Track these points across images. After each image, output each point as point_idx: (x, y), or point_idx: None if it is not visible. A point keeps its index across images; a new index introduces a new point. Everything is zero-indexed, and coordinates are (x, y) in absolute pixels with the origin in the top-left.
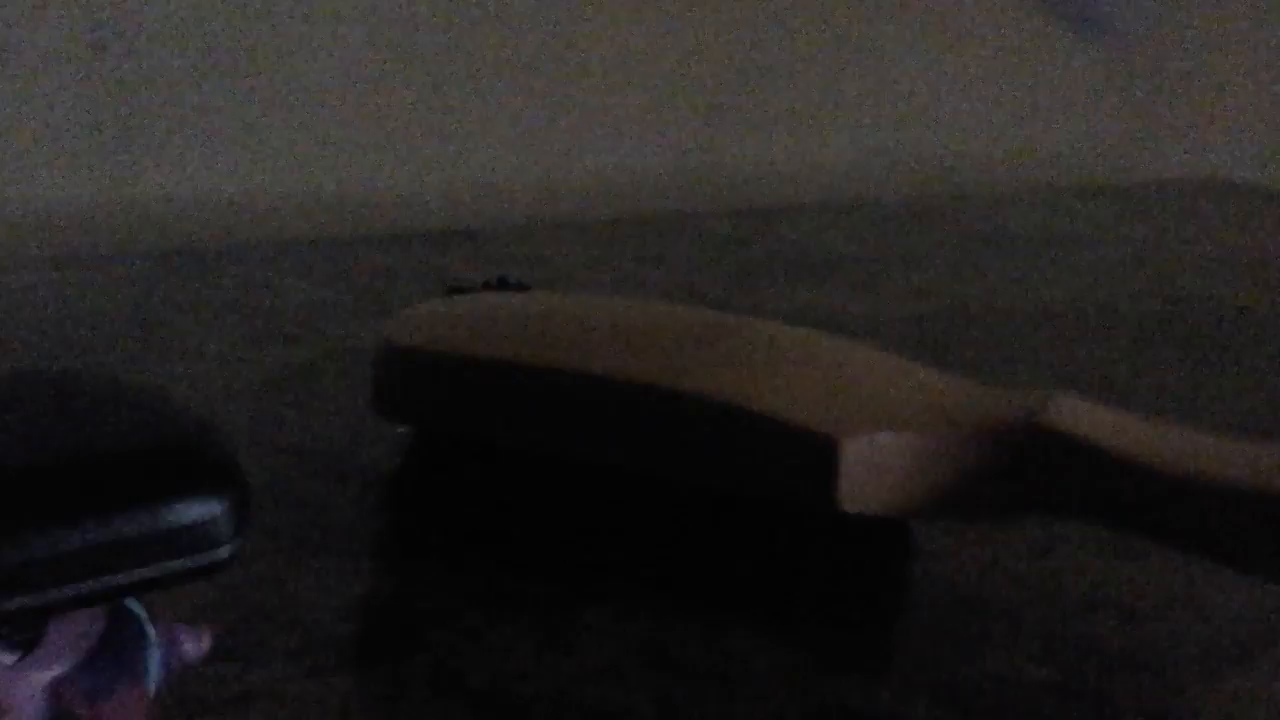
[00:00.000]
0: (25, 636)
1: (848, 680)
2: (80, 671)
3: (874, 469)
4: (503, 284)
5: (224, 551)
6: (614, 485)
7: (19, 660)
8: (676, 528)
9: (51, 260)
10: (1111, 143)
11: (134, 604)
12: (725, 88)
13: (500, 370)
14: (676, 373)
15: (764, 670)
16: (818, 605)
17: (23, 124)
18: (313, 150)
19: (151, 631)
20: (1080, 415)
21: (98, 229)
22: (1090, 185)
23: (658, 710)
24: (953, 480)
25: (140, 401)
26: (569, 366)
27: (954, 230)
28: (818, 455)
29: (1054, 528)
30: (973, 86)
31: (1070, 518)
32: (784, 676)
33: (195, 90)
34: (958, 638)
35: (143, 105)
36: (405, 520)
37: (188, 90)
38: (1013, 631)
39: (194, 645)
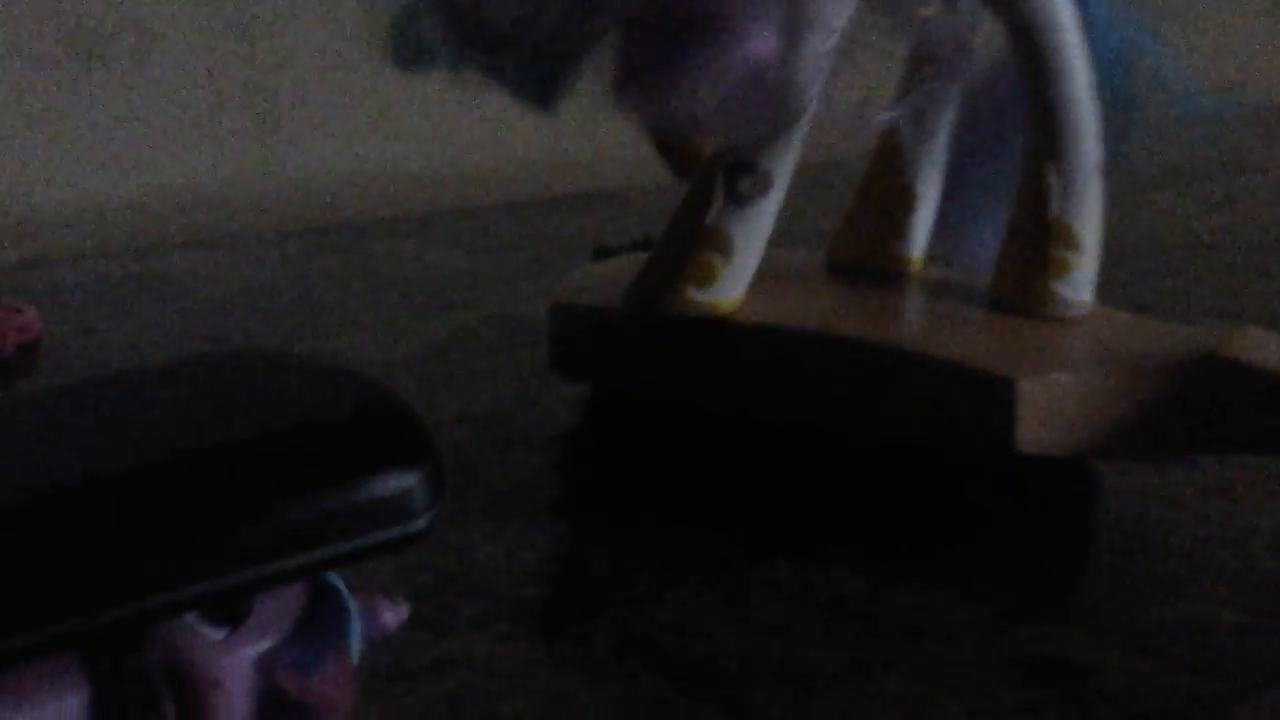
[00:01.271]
0: (233, 612)
1: (1039, 629)
2: (287, 646)
3: (1051, 409)
4: (648, 245)
5: (420, 522)
6: (790, 440)
7: (228, 636)
8: (855, 482)
9: (206, 242)
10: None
11: (333, 576)
12: None
13: (674, 325)
14: (851, 322)
15: (952, 622)
16: (1003, 554)
17: (171, 110)
18: (450, 122)
19: (352, 604)
20: (1260, 346)
21: (247, 210)
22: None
23: (850, 665)
24: (1130, 417)
25: (325, 377)
26: (744, 319)
27: (1120, 161)
28: (995, 398)
29: (1234, 464)
30: None
31: (1251, 452)
32: (974, 628)
33: (335, 69)
34: (1146, 582)
35: (286, 86)
36: (579, 481)
37: (328, 70)
38: (1201, 573)
39: (393, 615)
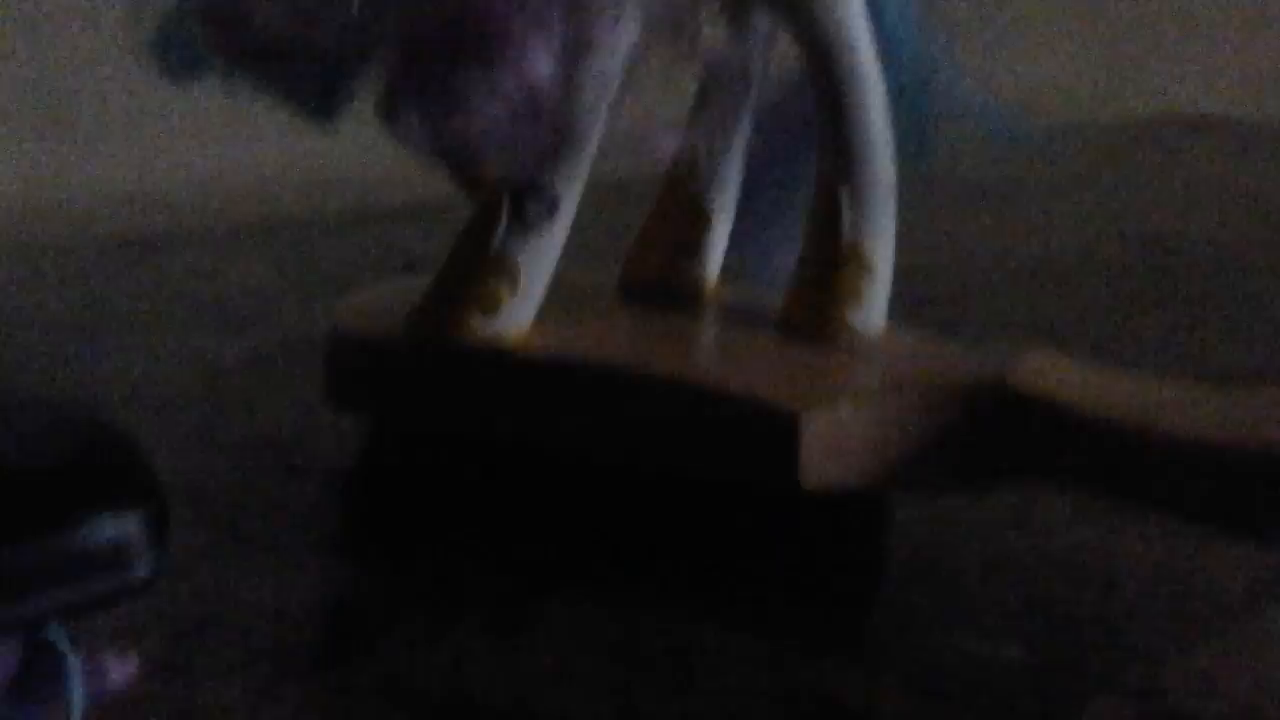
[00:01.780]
0: None
1: (820, 664)
2: None
3: (836, 443)
4: None
5: (141, 570)
6: (572, 473)
7: None
8: (637, 515)
9: None
10: (1085, 81)
11: (54, 630)
12: None
13: (456, 356)
14: (637, 352)
15: (732, 658)
16: (788, 588)
17: None
18: (257, 129)
19: (74, 660)
20: (1050, 373)
21: (37, 220)
22: (1061, 126)
23: (621, 708)
24: (919, 450)
25: (36, 412)
26: (529, 350)
27: (916, 181)
28: (778, 432)
29: (1027, 494)
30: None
31: (1045, 482)
32: (753, 663)
33: (135, 70)
34: (931, 615)
35: (81, 89)
36: (356, 516)
37: (127, 71)
38: (987, 607)
39: (121, 672)
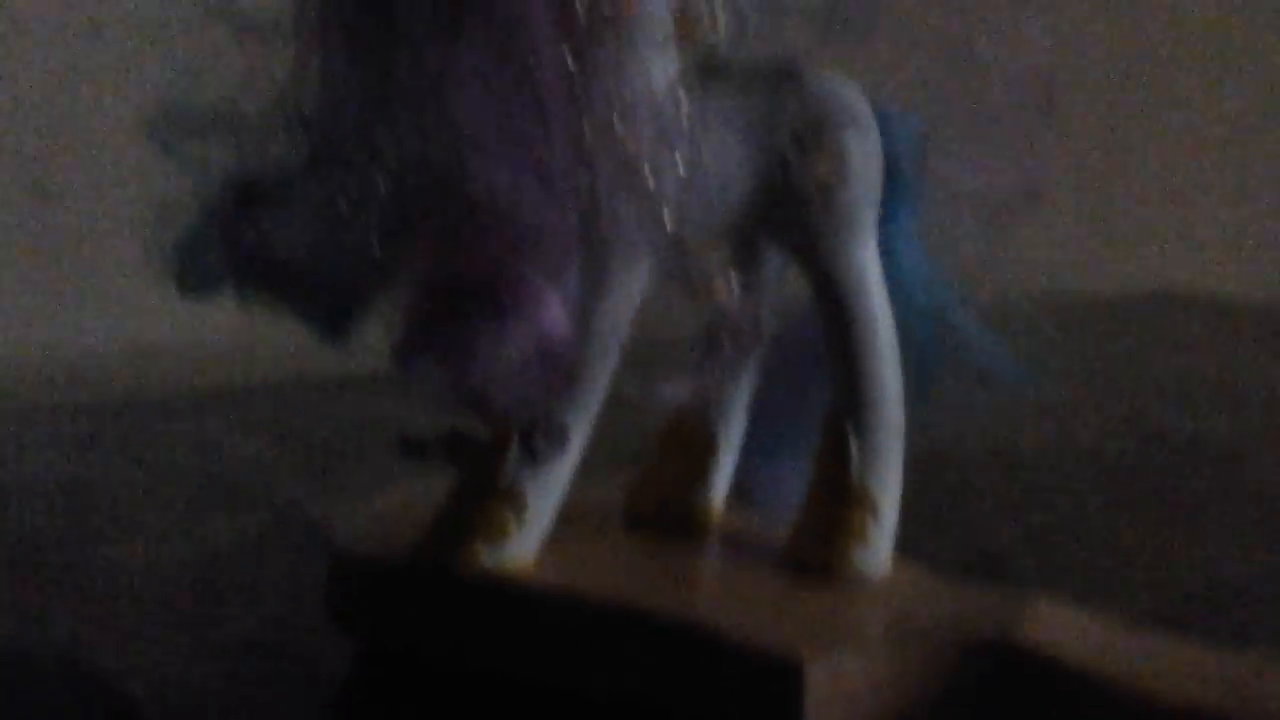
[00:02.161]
0: None
1: None
2: None
3: (839, 694)
4: (456, 437)
5: None
6: (570, 706)
7: None
8: None
9: None
10: (1065, 254)
11: None
12: None
13: (460, 585)
14: (641, 588)
15: None
16: None
17: None
18: None
19: None
20: (1056, 629)
21: (32, 383)
22: (1041, 299)
23: None
24: (922, 702)
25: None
26: (533, 582)
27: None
28: (781, 682)
29: None
30: None
31: None
32: None
33: (130, 234)
34: None
35: (81, 252)
36: None
37: (124, 235)
38: None
39: None
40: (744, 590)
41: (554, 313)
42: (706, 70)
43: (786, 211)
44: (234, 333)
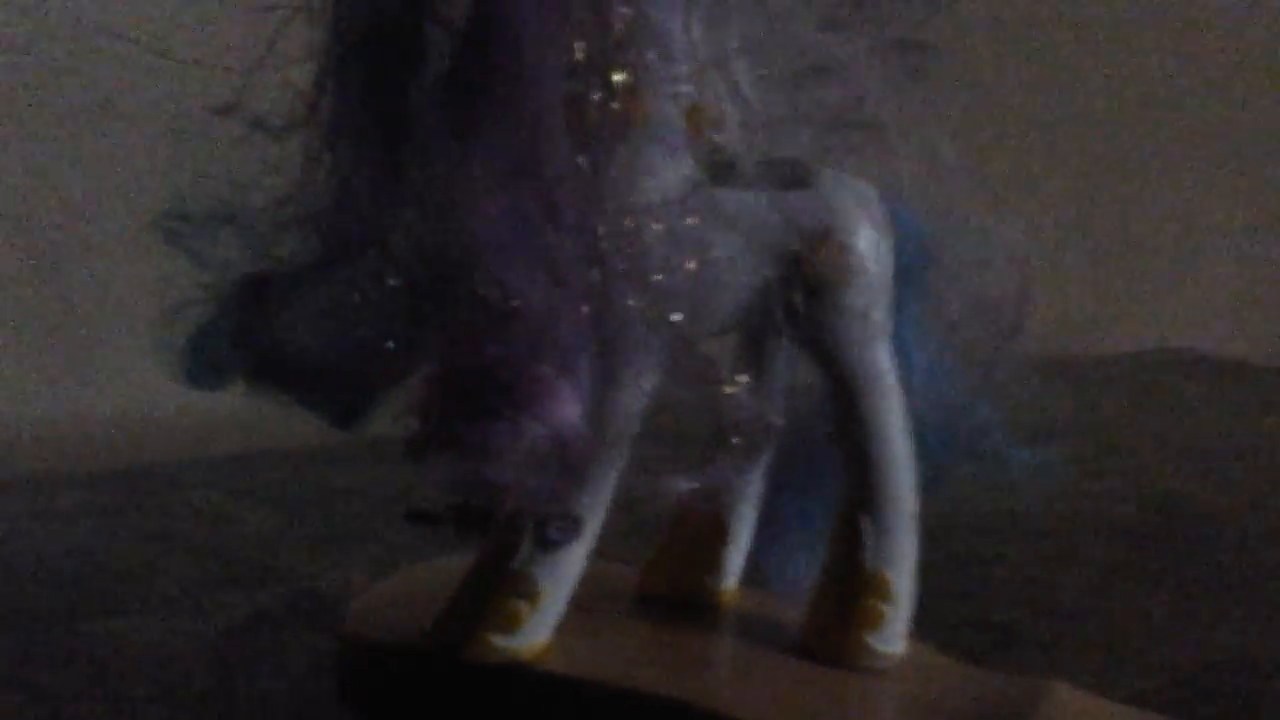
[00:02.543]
0: None
1: None
2: None
3: None
4: (465, 509)
5: None
6: None
7: None
8: None
9: (3, 488)
10: (1070, 315)
11: None
12: None
13: (472, 672)
14: (653, 672)
15: None
16: None
17: None
18: None
19: None
20: (1073, 715)
21: (52, 451)
22: (1049, 361)
23: None
24: None
25: None
26: (545, 668)
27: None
28: None
29: None
30: None
31: None
32: None
33: (148, 302)
34: None
35: (97, 320)
36: None
37: (140, 303)
38: None
39: None
40: (758, 676)
41: (567, 407)
42: (717, 168)
43: (797, 309)
44: (241, 402)
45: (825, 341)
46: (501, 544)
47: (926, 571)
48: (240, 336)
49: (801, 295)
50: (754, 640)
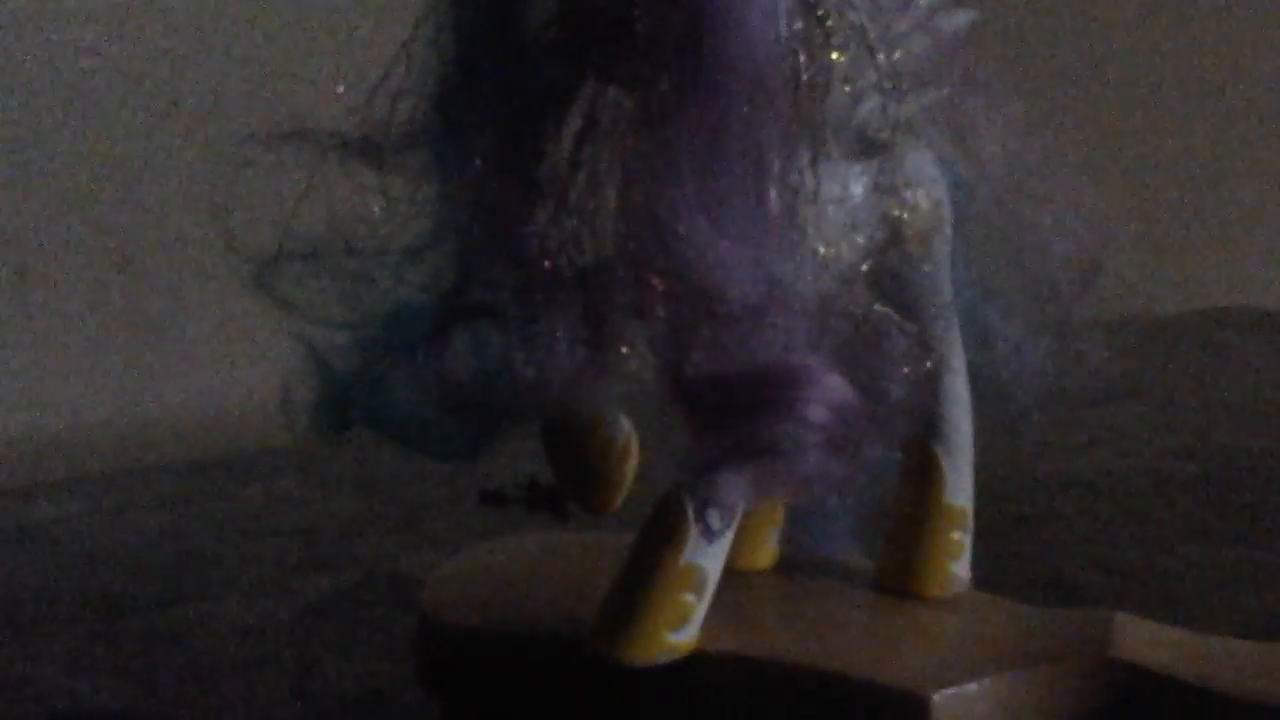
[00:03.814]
0: None
1: None
2: None
3: None
4: (534, 487)
5: None
6: None
7: None
8: None
9: (79, 483)
10: (1124, 275)
11: None
12: None
13: (552, 649)
14: (741, 635)
15: None
16: None
17: (52, 345)
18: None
19: None
20: (1145, 641)
21: (129, 445)
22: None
23: None
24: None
25: None
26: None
27: None
28: (907, 716)
29: None
30: None
31: None
32: None
33: (218, 300)
34: None
35: (169, 318)
36: None
37: (211, 301)
38: None
39: None
40: (847, 626)
41: (839, 385)
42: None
43: (892, 269)
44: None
45: (913, 295)
46: (659, 540)
47: (989, 530)
48: (356, 398)
49: (900, 253)
50: (824, 591)
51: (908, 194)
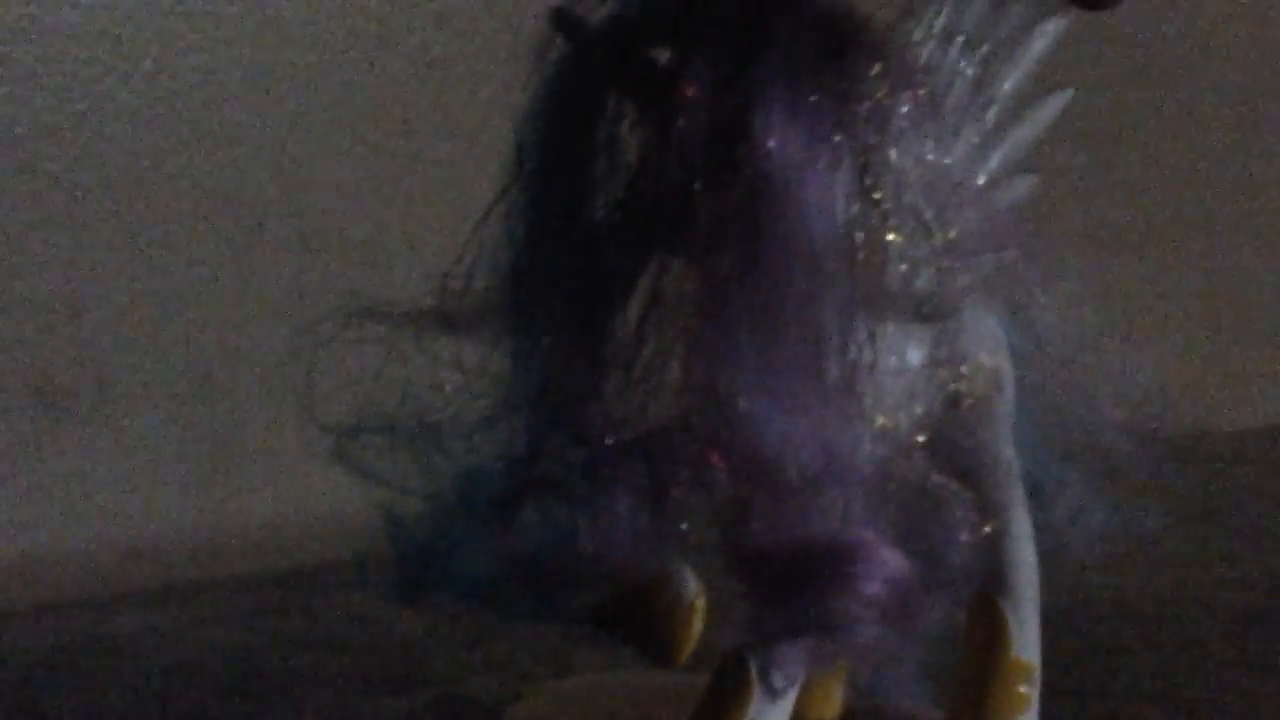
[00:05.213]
0: None
1: None
2: None
3: None
4: (603, 610)
5: None
6: None
7: None
8: None
9: (156, 596)
10: (1179, 390)
11: None
12: None
13: None
14: None
15: None
16: None
17: (132, 460)
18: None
19: None
20: None
21: (205, 559)
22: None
23: None
24: None
25: None
26: None
27: None
28: None
29: None
30: None
31: None
32: None
33: (293, 413)
34: None
35: (247, 432)
36: None
37: (287, 414)
38: None
39: None
40: None
41: (890, 556)
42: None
43: (951, 438)
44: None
45: (973, 456)
46: (720, 702)
47: (1046, 663)
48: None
49: (958, 421)
50: None
51: (966, 363)
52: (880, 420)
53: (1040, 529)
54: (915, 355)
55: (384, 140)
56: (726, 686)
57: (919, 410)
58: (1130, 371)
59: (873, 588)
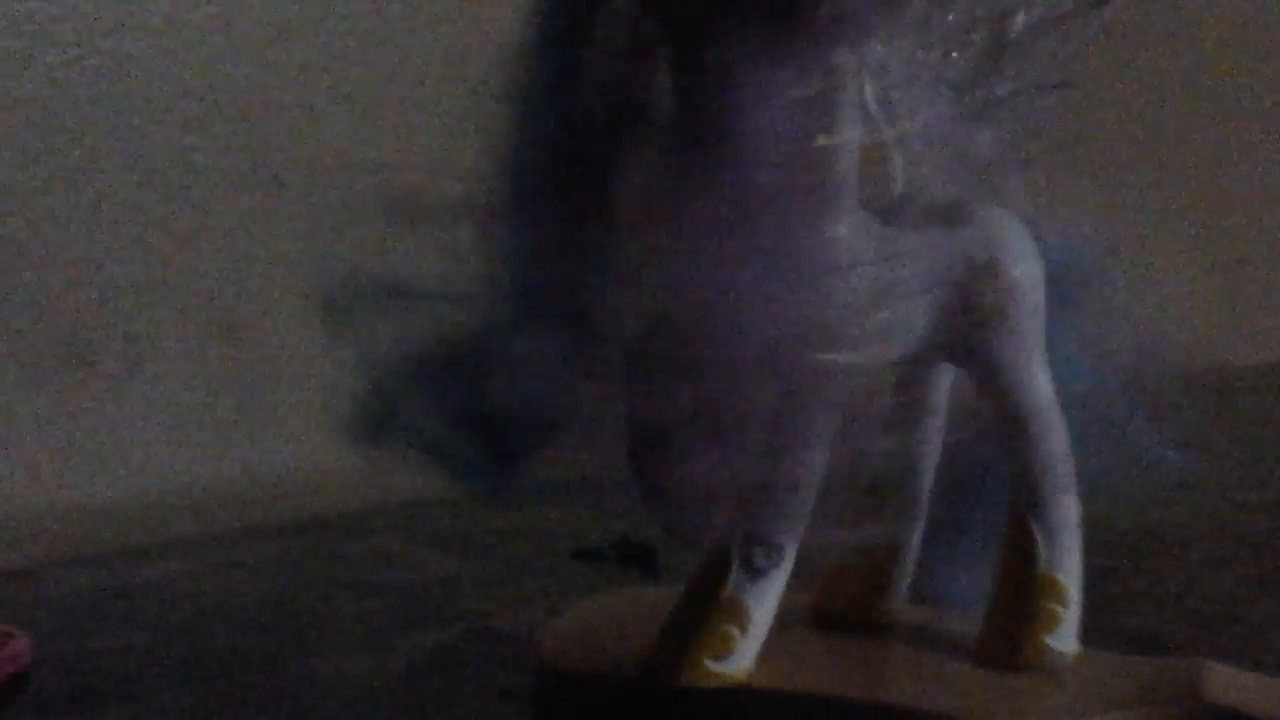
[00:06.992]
0: None
1: None
2: None
3: None
4: (627, 544)
5: None
6: None
7: None
8: None
9: (185, 545)
10: (1203, 326)
11: None
12: None
13: (685, 698)
14: (853, 683)
15: None
16: None
17: (160, 412)
18: None
19: None
20: (1237, 687)
21: (234, 508)
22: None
23: None
24: None
25: None
26: (753, 686)
27: None
28: None
29: None
30: None
31: None
32: None
33: (319, 363)
34: None
35: (272, 383)
36: None
37: (313, 364)
38: None
39: None
40: (952, 680)
41: (736, 453)
42: (885, 210)
43: (965, 336)
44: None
45: (992, 364)
46: (708, 574)
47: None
48: (443, 400)
49: (971, 323)
50: (933, 651)
51: (981, 260)
52: (849, 305)
53: (1111, 466)
54: (905, 247)
55: (395, 87)
56: (710, 563)
57: (879, 311)
58: (1147, 304)
59: (709, 472)
